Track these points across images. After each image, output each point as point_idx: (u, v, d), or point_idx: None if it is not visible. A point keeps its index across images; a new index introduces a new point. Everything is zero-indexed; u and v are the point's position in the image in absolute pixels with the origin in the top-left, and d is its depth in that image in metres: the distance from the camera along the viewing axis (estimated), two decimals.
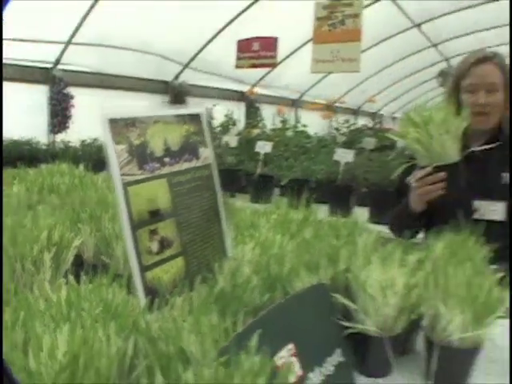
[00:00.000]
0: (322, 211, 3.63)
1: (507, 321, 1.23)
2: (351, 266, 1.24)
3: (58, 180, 2.19)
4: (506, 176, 1.93)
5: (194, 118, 1.21)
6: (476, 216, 1.91)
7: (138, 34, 6.96)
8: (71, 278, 1.12)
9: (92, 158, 4.81)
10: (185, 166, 1.18)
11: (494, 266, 1.38)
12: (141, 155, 1.06)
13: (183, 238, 1.16)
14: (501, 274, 1.25)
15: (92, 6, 6.32)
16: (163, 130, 1.11)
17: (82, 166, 2.69)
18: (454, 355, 1.18)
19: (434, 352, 1.18)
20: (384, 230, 2.25)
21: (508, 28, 9.71)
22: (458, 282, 1.17)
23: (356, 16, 5.29)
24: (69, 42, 6.91)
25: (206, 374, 0.71)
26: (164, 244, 1.10)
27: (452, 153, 1.69)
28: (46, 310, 0.95)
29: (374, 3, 7.94)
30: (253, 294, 1.09)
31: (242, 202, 3.69)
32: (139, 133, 1.05)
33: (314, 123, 6.75)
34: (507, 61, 1.98)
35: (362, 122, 11.86)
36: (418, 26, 9.99)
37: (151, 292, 1.05)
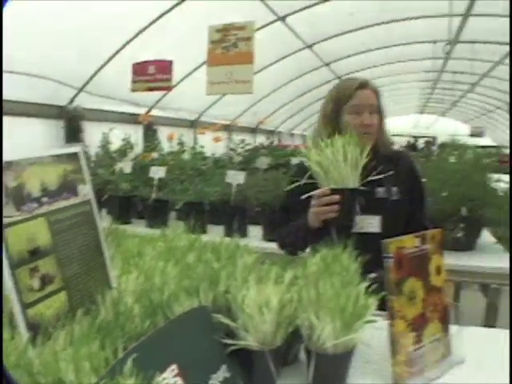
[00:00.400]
0: (216, 233, 3.71)
1: (379, 324, 1.35)
2: (230, 287, 1.31)
3: None
4: (379, 191, 2.13)
5: (72, 156, 1.25)
6: (356, 230, 2.07)
7: (31, 58, 6.74)
8: None
9: None
10: (63, 203, 1.21)
11: (373, 275, 1.52)
12: (17, 197, 1.08)
13: (65, 273, 1.18)
14: (368, 283, 1.37)
15: None
16: (40, 171, 1.15)
17: None
18: (329, 361, 1.27)
19: (311, 360, 1.28)
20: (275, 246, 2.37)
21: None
22: (327, 294, 1.25)
23: (248, 39, 5.41)
24: None
25: None
26: (45, 280, 1.12)
27: (348, 177, 1.81)
28: None
29: (266, 26, 8.20)
30: (134, 322, 1.14)
31: (137, 228, 3.67)
32: (15, 175, 1.08)
33: (212, 144, 6.83)
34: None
35: (260, 140, 12.07)
36: (310, 46, 10.43)
37: (34, 328, 1.07)
